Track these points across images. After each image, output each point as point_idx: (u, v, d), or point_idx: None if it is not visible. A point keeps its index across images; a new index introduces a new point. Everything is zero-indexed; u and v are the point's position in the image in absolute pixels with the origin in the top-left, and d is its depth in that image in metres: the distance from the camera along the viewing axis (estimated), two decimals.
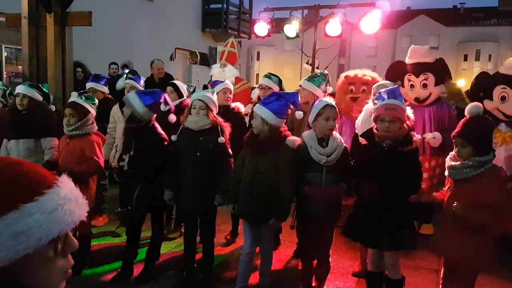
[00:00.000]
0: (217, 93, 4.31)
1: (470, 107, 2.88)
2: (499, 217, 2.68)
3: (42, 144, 4.05)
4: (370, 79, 4.67)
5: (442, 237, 3.01)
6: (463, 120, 2.91)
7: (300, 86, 4.23)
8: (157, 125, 3.64)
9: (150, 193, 3.65)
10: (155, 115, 3.61)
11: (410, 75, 4.58)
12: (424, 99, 4.51)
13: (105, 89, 5.05)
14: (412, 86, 4.56)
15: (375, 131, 3.05)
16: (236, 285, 3.42)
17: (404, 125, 3.03)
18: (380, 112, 3.00)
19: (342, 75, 4.94)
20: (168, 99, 3.69)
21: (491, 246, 2.85)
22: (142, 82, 5.03)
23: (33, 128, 3.99)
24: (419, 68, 4.55)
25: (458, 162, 2.83)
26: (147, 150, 3.49)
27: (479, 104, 2.92)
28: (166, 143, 3.57)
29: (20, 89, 4.06)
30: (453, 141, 2.91)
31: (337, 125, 3.24)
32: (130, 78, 5.05)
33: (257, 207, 3.20)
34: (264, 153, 3.19)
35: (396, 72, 4.84)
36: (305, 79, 4.26)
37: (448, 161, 2.94)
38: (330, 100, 3.28)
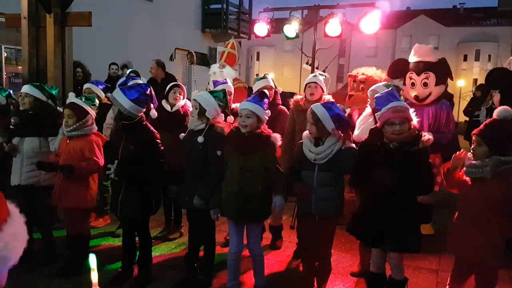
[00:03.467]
0: None
1: (500, 110, 2.90)
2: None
3: (50, 145, 4.02)
4: (365, 77, 4.71)
5: (458, 238, 2.98)
6: (488, 119, 2.94)
7: (314, 82, 4.22)
8: (149, 125, 3.57)
9: (134, 201, 3.50)
10: (144, 111, 3.51)
11: (412, 73, 4.58)
12: (424, 98, 4.51)
13: (101, 94, 4.96)
14: (413, 84, 4.55)
15: (385, 134, 3.02)
16: (227, 284, 3.42)
17: (413, 124, 3.00)
18: (388, 116, 2.95)
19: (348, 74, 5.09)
20: (153, 93, 3.62)
21: (502, 243, 2.89)
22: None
23: (38, 126, 3.97)
24: (421, 67, 4.54)
25: (478, 161, 2.83)
26: (139, 152, 3.40)
27: (509, 108, 2.92)
28: (159, 142, 3.51)
29: (23, 88, 4.05)
30: (473, 138, 2.92)
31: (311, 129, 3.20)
32: (133, 78, 5.05)
33: (245, 205, 3.21)
34: (251, 153, 3.20)
35: (397, 69, 4.85)
36: (317, 76, 4.28)
37: (467, 160, 2.93)
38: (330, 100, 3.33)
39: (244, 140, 3.21)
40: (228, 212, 3.32)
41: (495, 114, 2.93)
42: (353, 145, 3.24)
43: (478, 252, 2.84)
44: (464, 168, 2.95)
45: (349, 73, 5.04)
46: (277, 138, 3.26)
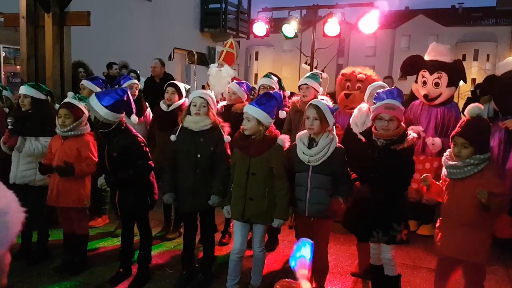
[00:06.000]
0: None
1: (471, 108, 2.91)
2: (506, 205, 2.79)
3: (40, 142, 3.98)
4: (365, 76, 4.70)
5: (443, 236, 3.02)
6: (463, 120, 2.94)
7: (305, 84, 4.25)
8: (131, 127, 3.52)
9: (130, 199, 3.52)
10: (123, 115, 3.42)
11: (425, 71, 4.53)
12: (433, 98, 4.46)
13: (97, 89, 4.80)
14: (424, 82, 4.51)
15: (373, 129, 3.15)
16: (227, 283, 3.42)
17: (402, 124, 3.12)
18: (379, 111, 3.10)
19: (341, 72, 5.04)
20: (131, 97, 3.49)
21: (489, 240, 2.92)
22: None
23: (36, 126, 3.95)
24: (435, 66, 4.49)
25: (459, 162, 2.85)
26: (124, 158, 3.37)
27: (480, 105, 2.96)
28: (143, 144, 3.46)
29: (21, 89, 4.05)
30: (451, 140, 2.93)
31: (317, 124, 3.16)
32: (128, 78, 5.04)
33: (252, 207, 3.21)
34: (257, 155, 3.18)
35: (412, 65, 4.80)
36: (309, 77, 4.29)
37: (446, 161, 2.96)
38: (322, 100, 3.33)
39: (250, 143, 3.19)
40: (236, 214, 3.29)
41: (467, 113, 2.94)
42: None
43: (464, 250, 2.89)
44: (444, 172, 2.98)
45: (343, 72, 4.99)
46: (285, 139, 3.22)
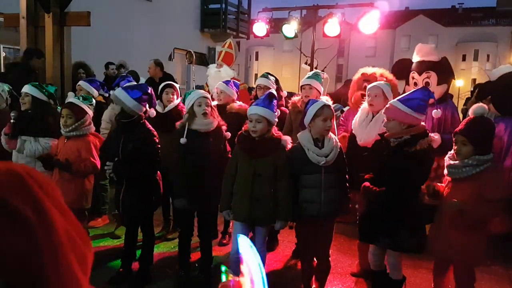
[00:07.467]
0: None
1: (475, 108, 2.90)
2: (497, 212, 2.78)
3: (40, 144, 4.00)
4: (385, 79, 4.68)
5: (437, 235, 3.04)
6: (467, 119, 2.93)
7: (307, 85, 4.21)
8: (147, 123, 3.59)
9: (135, 198, 3.51)
10: (145, 109, 3.53)
11: (414, 72, 4.56)
12: None
13: (94, 91, 4.88)
14: (415, 84, 4.53)
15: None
16: None
17: (419, 125, 2.96)
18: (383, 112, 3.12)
19: (360, 71, 4.97)
20: (153, 93, 3.61)
21: (485, 242, 2.92)
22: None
23: (36, 127, 3.96)
24: (423, 66, 4.51)
25: (458, 161, 2.85)
26: (137, 151, 3.40)
27: (484, 105, 2.95)
28: (157, 140, 3.51)
29: (23, 88, 4.05)
30: (454, 138, 2.92)
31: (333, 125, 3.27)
32: (128, 79, 5.03)
33: (259, 209, 3.16)
34: (263, 156, 3.15)
35: (401, 69, 4.82)
36: (312, 77, 4.25)
37: (447, 160, 2.96)
38: (327, 100, 3.33)
39: (256, 145, 3.15)
40: (239, 215, 3.24)
41: (471, 112, 2.94)
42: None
43: (457, 250, 2.89)
44: (445, 171, 2.99)
45: (363, 71, 4.92)
46: (288, 140, 3.22)
